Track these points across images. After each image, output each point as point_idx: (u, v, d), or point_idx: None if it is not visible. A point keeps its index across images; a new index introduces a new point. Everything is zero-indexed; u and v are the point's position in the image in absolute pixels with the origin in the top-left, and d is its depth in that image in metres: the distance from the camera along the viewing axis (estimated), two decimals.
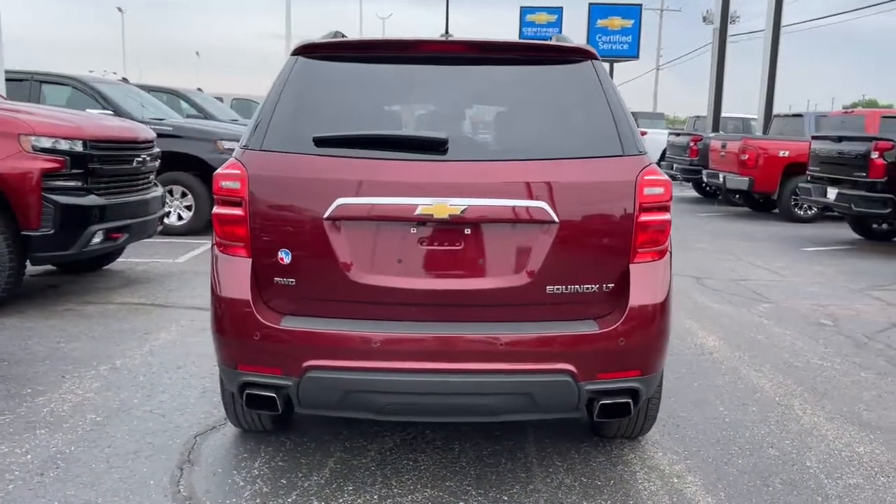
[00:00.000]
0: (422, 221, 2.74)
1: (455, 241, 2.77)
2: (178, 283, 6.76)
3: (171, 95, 12.58)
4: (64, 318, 5.51)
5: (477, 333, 2.73)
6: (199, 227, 9.34)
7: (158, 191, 6.90)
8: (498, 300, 2.78)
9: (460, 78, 3.08)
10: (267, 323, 2.77)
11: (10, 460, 3.22)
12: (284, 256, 2.79)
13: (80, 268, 7.04)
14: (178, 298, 6.22)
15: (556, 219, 2.74)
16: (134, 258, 7.66)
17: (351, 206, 2.74)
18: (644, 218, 2.82)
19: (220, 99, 15.57)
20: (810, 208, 12.79)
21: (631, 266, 2.82)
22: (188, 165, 9.24)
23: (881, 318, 6.27)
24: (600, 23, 42.80)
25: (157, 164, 6.92)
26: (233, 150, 10.46)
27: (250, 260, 2.83)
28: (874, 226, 10.90)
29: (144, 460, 3.27)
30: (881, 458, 3.49)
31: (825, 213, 12.54)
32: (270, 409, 2.85)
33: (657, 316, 2.83)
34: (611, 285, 2.82)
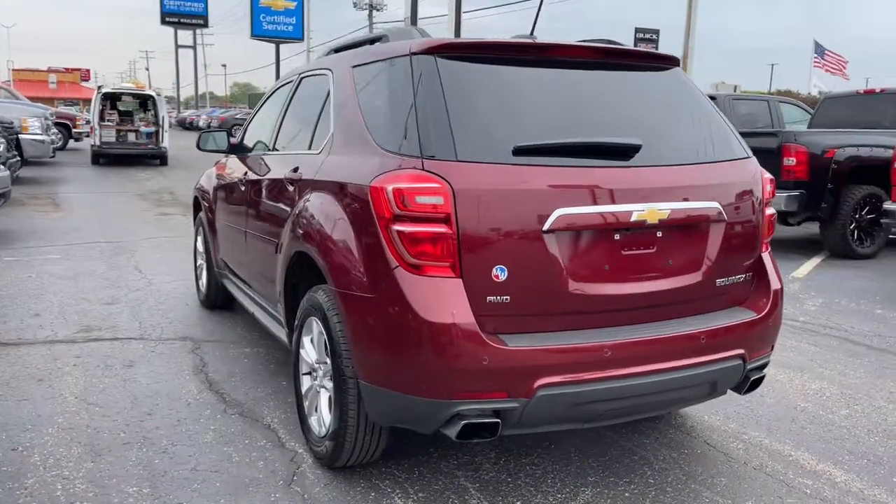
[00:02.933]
0: (629, 227, 2.77)
1: (650, 244, 2.85)
2: None
3: None
4: None
5: (680, 331, 2.85)
6: None
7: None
8: (684, 297, 2.93)
9: (595, 82, 3.10)
10: (494, 345, 2.56)
11: None
12: (499, 273, 2.60)
13: None
14: (22, 332, 5.00)
15: (725, 217, 2.98)
16: None
17: (571, 216, 2.65)
18: (767, 211, 3.20)
19: None
20: None
21: (762, 255, 3.19)
22: None
23: None
24: (263, 2, 41.50)
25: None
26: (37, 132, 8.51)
27: (461, 280, 2.58)
28: None
29: None
30: (832, 391, 4.38)
31: None
32: (488, 436, 2.65)
33: (783, 298, 3.25)
34: (750, 274, 3.15)
